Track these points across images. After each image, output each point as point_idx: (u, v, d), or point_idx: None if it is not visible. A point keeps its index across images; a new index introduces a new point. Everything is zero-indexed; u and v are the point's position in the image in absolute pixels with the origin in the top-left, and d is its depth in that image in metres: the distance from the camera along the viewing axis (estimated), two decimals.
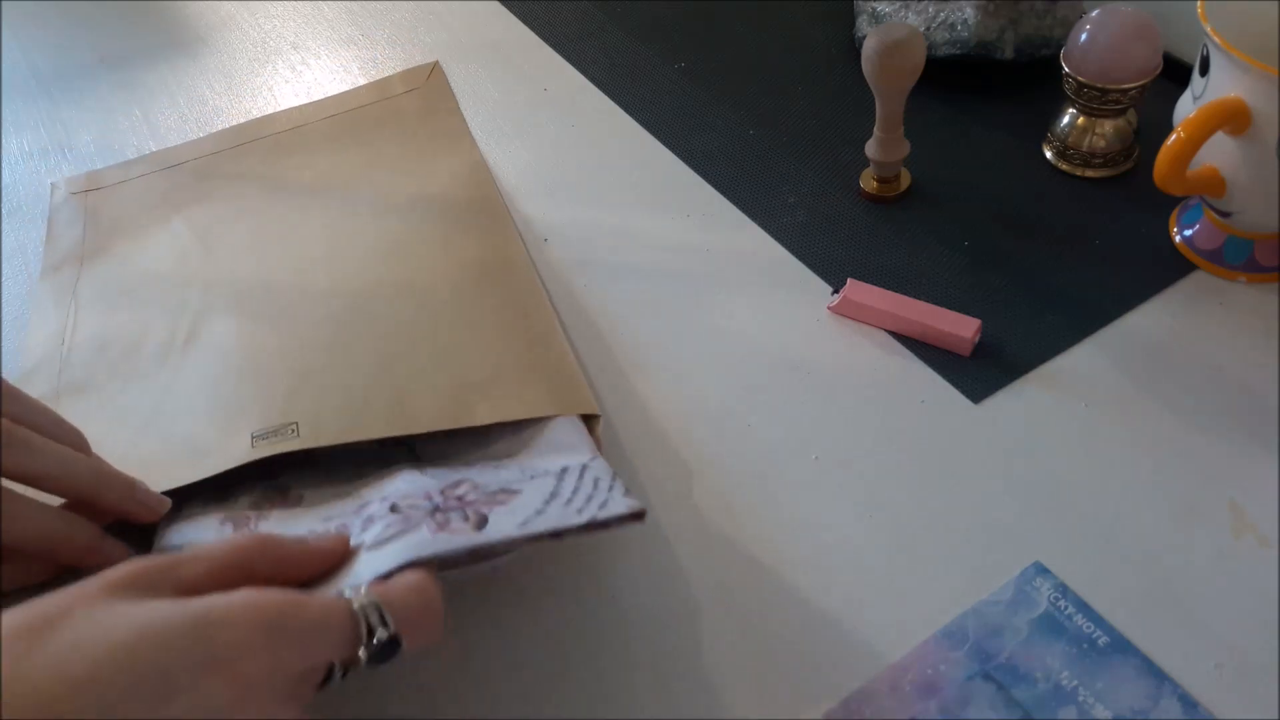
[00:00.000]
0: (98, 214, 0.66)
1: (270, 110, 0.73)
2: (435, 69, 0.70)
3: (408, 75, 0.71)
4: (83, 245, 0.63)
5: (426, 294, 0.54)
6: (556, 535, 0.40)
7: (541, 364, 0.51)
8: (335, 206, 0.62)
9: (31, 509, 0.40)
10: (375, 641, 0.35)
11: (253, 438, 0.47)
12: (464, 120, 0.67)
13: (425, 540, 0.39)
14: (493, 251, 0.57)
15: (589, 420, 0.49)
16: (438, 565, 0.39)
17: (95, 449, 0.46)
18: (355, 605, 0.35)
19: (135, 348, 0.55)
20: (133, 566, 0.34)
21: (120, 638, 0.31)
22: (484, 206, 0.61)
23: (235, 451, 0.47)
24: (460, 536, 0.40)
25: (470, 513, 0.42)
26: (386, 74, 0.75)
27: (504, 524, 0.41)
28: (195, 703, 0.31)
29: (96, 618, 0.31)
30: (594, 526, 0.41)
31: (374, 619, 0.35)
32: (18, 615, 0.31)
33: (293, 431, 0.47)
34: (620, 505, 0.41)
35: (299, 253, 0.59)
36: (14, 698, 0.29)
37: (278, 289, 0.57)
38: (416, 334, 0.52)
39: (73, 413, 0.48)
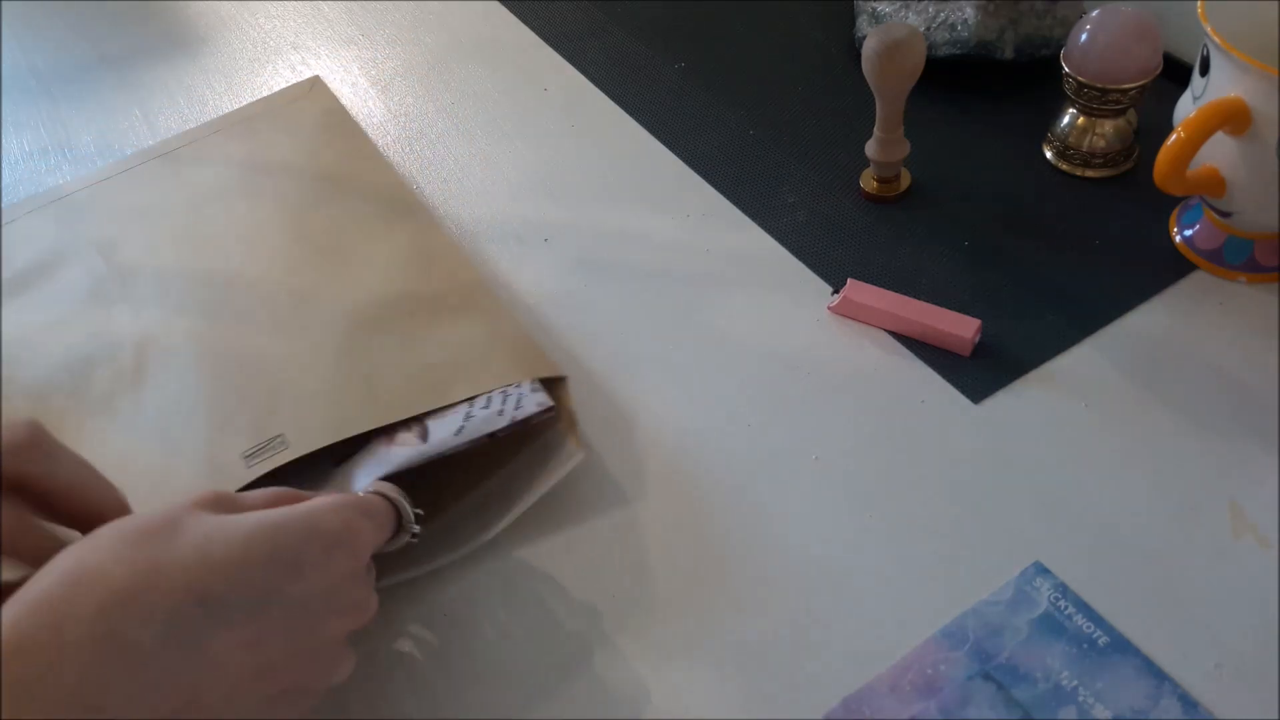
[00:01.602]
0: None
1: None
2: (316, 82, 0.73)
3: (288, 90, 0.73)
4: None
5: (369, 283, 0.56)
6: (492, 437, 0.46)
7: (499, 336, 0.52)
8: (245, 204, 0.62)
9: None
10: (415, 518, 0.43)
11: (244, 457, 0.47)
12: (350, 116, 0.69)
13: (383, 454, 0.46)
14: (415, 234, 0.59)
15: (556, 383, 0.50)
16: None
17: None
18: (390, 495, 0.42)
19: (80, 387, 0.54)
20: (208, 493, 0.38)
21: (249, 529, 0.36)
22: (386, 185, 0.63)
23: (233, 475, 0.47)
24: (410, 449, 0.46)
25: (411, 422, 0.48)
26: (387, 74, 0.75)
27: (442, 433, 0.47)
28: (322, 575, 0.37)
29: (212, 520, 0.36)
30: (516, 425, 0.47)
31: (404, 502, 0.42)
32: (129, 522, 0.35)
33: (281, 443, 0.48)
34: (531, 403, 0.47)
35: (223, 254, 0.59)
36: (166, 580, 0.33)
37: (211, 295, 0.56)
38: (372, 327, 0.53)
39: None
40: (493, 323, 0.53)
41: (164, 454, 0.49)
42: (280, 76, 0.76)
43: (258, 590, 0.35)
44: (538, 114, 0.71)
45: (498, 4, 0.80)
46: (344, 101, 0.73)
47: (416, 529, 0.43)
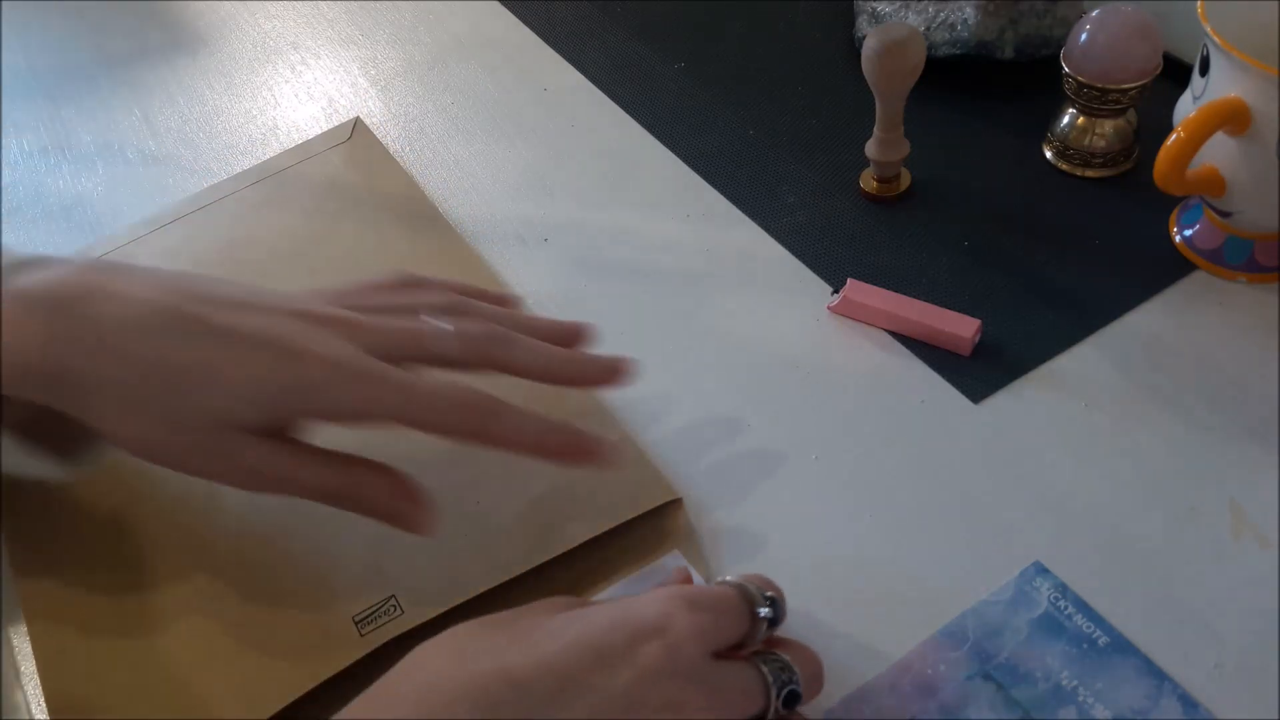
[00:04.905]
0: None
1: (269, 110, 0.73)
2: (357, 124, 0.70)
3: (328, 135, 0.69)
4: None
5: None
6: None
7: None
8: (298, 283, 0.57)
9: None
10: (771, 608, 0.39)
11: (356, 622, 0.44)
12: (396, 163, 0.66)
13: None
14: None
15: (670, 506, 0.47)
16: None
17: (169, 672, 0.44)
18: (750, 589, 0.39)
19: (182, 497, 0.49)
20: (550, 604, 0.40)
21: (571, 629, 0.37)
22: (448, 252, 0.59)
23: (347, 642, 0.43)
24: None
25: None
26: (387, 74, 0.75)
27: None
28: (629, 668, 0.35)
29: (546, 621, 0.38)
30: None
31: (758, 598, 0.39)
32: (485, 620, 0.38)
33: (395, 608, 0.44)
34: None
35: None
36: (480, 663, 0.35)
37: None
38: (470, 452, 0.47)
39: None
40: (590, 428, 0.48)
41: (270, 607, 0.46)
42: (280, 76, 0.76)
43: (560, 676, 0.35)
44: (538, 114, 0.71)
45: (498, 4, 0.80)
46: (344, 102, 0.73)
47: (765, 610, 0.39)
